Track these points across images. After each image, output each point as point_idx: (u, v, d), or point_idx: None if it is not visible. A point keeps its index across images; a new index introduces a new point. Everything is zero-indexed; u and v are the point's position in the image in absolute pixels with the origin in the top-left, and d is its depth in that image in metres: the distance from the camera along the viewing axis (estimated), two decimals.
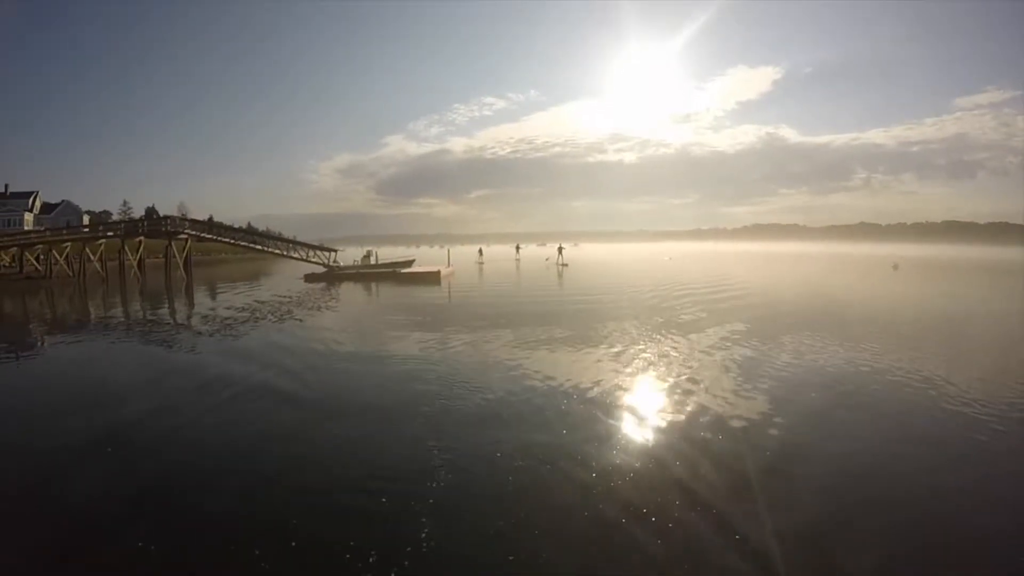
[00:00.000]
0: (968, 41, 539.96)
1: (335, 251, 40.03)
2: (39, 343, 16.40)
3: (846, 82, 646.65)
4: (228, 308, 22.86)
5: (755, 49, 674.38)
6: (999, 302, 24.27)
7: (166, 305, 25.90)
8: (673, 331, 14.72)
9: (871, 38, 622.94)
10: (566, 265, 46.88)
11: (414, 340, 14.09)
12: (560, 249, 52.50)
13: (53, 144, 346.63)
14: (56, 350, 14.76)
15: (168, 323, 19.97)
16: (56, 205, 79.45)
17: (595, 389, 9.16)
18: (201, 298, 27.89)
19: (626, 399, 8.67)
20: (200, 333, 16.53)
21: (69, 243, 43.81)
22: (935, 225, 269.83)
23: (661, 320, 16.74)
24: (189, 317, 21.19)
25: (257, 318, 19.82)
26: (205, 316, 20.85)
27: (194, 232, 41.95)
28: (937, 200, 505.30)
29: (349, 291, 29.46)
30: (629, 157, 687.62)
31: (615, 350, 12.35)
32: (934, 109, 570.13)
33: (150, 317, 21.75)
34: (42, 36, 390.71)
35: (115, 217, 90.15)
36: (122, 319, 21.48)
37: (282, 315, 20.45)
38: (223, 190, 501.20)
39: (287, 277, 38.86)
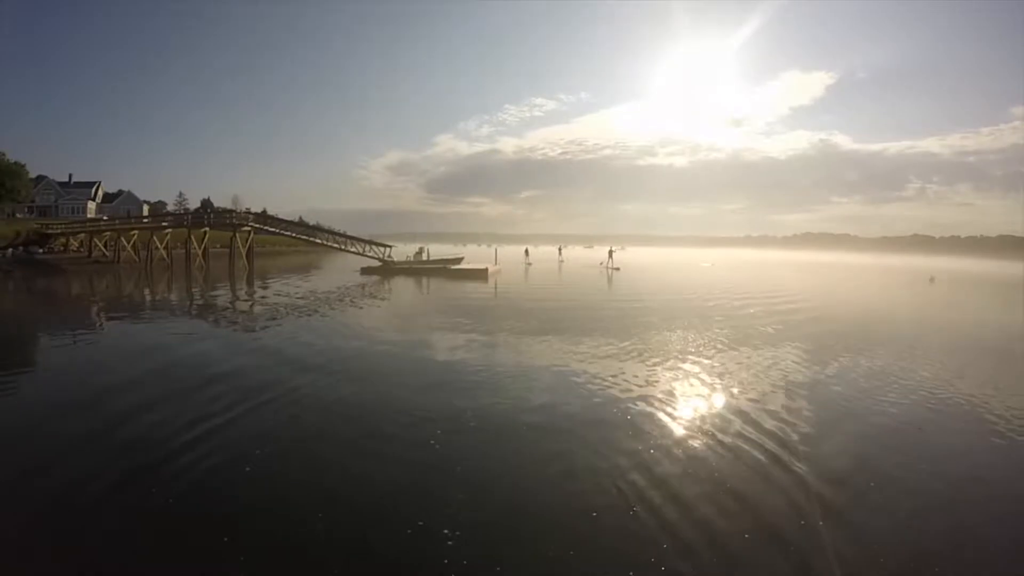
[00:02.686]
0: None
1: (390, 247, 41.34)
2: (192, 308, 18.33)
3: (901, 88, 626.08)
4: (314, 293, 25.27)
5: (808, 54, 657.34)
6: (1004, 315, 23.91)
7: (262, 289, 27.67)
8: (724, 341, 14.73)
9: (926, 44, 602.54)
10: (617, 269, 45.51)
11: (463, 321, 16.94)
12: (611, 252, 50.94)
13: (110, 135, 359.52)
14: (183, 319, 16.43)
15: (282, 304, 21.32)
16: (116, 195, 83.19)
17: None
18: (280, 286, 29.15)
19: None
20: (324, 314, 18.79)
21: (136, 231, 46.15)
22: (990, 239, 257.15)
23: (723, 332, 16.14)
24: (305, 298, 22.46)
25: (339, 299, 22.81)
26: (308, 299, 22.54)
27: (257, 225, 43.76)
28: (994, 212, 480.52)
29: (403, 283, 30.65)
30: (680, 161, 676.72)
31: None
32: (991, 118, 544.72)
33: (254, 297, 23.41)
34: (94, 29, 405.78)
35: (170, 207, 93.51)
36: (221, 301, 23.27)
37: (357, 297, 23.53)
38: (274, 183, 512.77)
39: (342, 269, 40.22)
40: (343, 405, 8.20)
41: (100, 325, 16.60)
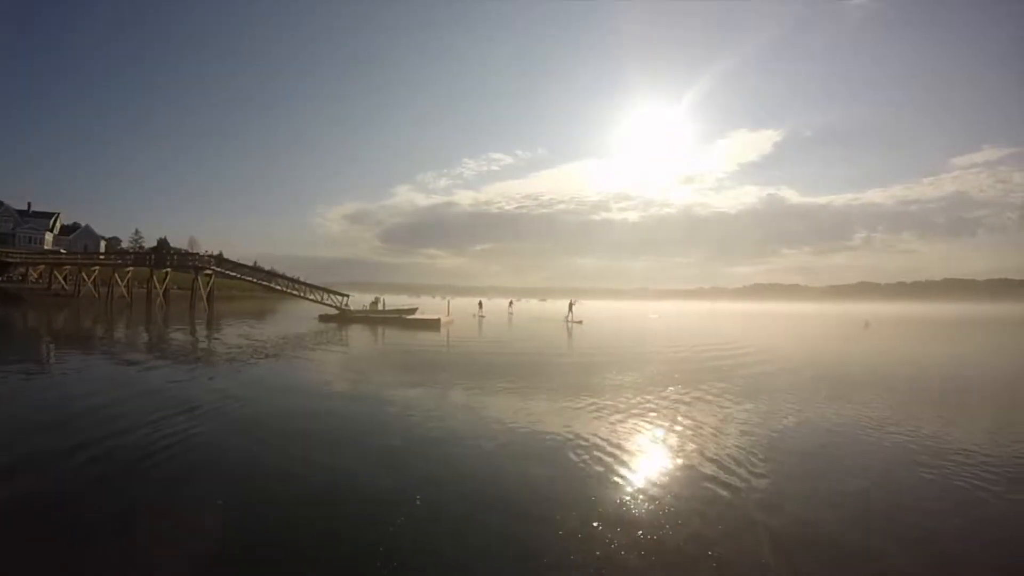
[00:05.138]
0: (962, 101, 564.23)
1: (347, 295, 43.58)
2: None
3: (845, 144, 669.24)
4: (280, 337, 27.38)
5: (756, 113, 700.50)
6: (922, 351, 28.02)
7: (228, 331, 29.30)
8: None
9: (868, 101, 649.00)
10: (580, 322, 44.32)
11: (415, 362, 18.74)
12: (571, 305, 49.30)
13: (65, 169, 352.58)
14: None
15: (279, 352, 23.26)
16: (73, 228, 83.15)
17: None
18: (245, 329, 31.05)
19: None
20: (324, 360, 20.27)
21: (98, 267, 47.31)
22: (935, 283, 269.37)
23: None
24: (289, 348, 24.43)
25: (305, 343, 24.61)
26: (279, 342, 24.11)
27: (220, 269, 45.51)
28: (938, 257, 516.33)
29: (360, 331, 32.74)
30: (633, 216, 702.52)
31: None
32: (931, 168, 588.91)
33: (237, 339, 25.16)
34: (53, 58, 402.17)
35: (125, 244, 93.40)
36: (209, 344, 24.90)
37: (320, 343, 25.45)
38: (229, 226, 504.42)
39: (300, 316, 42.02)
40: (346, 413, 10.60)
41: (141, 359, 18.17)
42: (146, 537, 5.11)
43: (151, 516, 5.51)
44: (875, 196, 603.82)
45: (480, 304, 60.79)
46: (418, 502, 6.04)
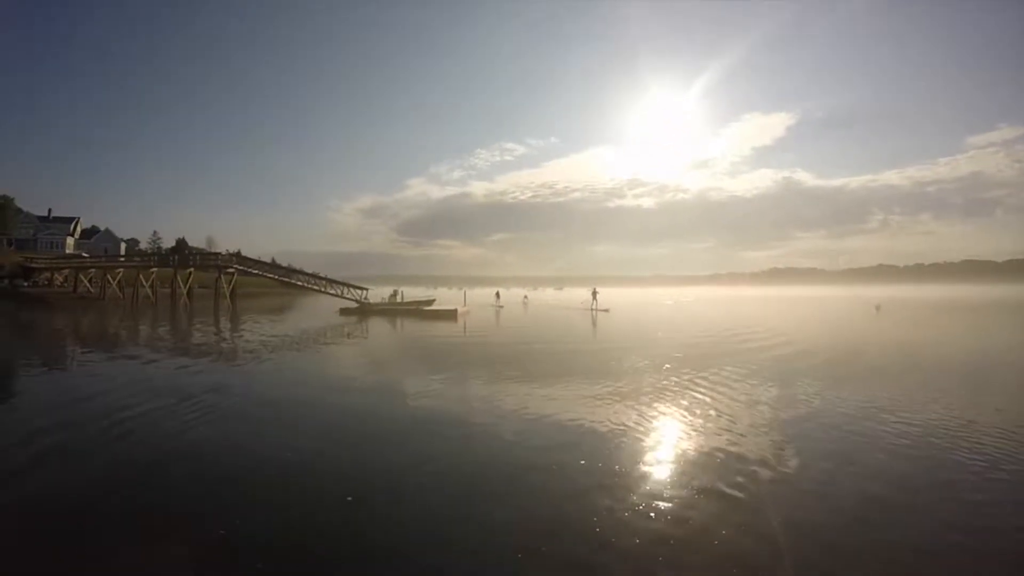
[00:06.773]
0: (976, 81, 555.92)
1: (366, 289, 44.15)
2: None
3: (858, 125, 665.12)
4: (313, 329, 28.33)
5: (769, 96, 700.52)
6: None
7: (264, 326, 29.75)
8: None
9: (880, 82, 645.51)
10: (607, 310, 43.32)
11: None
12: (594, 293, 47.72)
13: (85, 173, 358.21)
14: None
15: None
16: (92, 231, 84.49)
17: None
18: (280, 325, 31.89)
19: None
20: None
21: (122, 269, 48.21)
22: (953, 265, 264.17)
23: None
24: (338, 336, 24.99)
25: (336, 333, 25.80)
26: (318, 333, 24.86)
27: (241, 267, 46.24)
28: (956, 239, 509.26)
29: (380, 323, 33.34)
30: (647, 202, 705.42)
31: None
32: (947, 149, 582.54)
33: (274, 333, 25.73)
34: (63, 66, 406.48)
35: (143, 245, 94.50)
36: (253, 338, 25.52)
37: (348, 333, 26.68)
38: (246, 223, 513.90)
39: (321, 310, 42.53)
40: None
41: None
42: None
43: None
44: (891, 178, 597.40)
45: (497, 295, 60.25)
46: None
